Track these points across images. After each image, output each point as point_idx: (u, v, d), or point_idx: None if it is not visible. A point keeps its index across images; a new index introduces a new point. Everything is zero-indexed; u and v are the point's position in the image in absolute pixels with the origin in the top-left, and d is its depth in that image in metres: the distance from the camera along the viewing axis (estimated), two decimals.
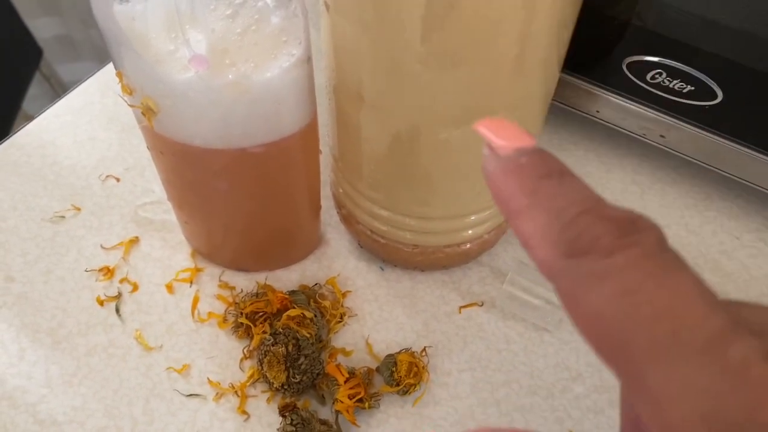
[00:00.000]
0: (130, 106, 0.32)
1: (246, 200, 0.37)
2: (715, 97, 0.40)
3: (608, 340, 0.13)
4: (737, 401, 0.11)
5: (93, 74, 0.54)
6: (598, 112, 0.45)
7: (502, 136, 0.16)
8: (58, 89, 1.23)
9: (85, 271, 0.42)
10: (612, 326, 0.13)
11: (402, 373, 0.36)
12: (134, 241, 0.43)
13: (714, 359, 0.12)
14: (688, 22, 0.39)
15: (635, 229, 0.13)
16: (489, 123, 0.16)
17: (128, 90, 0.32)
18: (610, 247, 0.13)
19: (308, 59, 0.32)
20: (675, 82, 0.41)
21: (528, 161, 0.15)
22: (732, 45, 0.38)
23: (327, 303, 0.40)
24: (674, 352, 0.12)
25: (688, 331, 0.12)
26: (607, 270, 0.13)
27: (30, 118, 0.51)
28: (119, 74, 0.31)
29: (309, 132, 0.35)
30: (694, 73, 0.40)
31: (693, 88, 0.40)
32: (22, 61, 1.12)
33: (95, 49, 1.41)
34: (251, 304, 0.39)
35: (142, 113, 0.32)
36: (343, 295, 0.41)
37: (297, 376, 0.35)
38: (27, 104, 1.09)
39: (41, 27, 1.35)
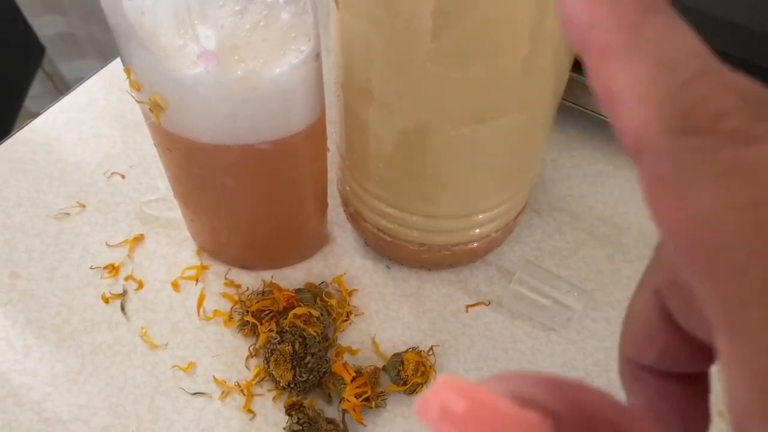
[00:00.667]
0: (138, 102, 0.32)
1: (252, 197, 0.37)
2: None
3: (712, 255, 0.10)
4: None
5: (97, 71, 0.53)
6: None
7: None
8: (61, 87, 1.23)
9: (90, 268, 0.42)
10: (727, 241, 0.09)
11: (409, 372, 0.36)
12: (139, 238, 0.43)
13: None
14: (698, 21, 0.39)
15: None
16: None
17: (136, 86, 0.31)
18: (743, 133, 0.09)
19: (317, 56, 0.32)
20: None
21: None
22: (740, 42, 0.38)
23: (333, 301, 0.40)
24: None
25: None
26: (738, 164, 0.09)
27: (32, 116, 0.51)
28: (127, 70, 0.31)
29: (317, 129, 0.35)
30: None
31: None
32: (25, 58, 1.12)
33: (98, 47, 1.41)
34: (257, 302, 0.39)
35: (150, 109, 0.32)
36: (350, 293, 0.41)
37: (303, 375, 0.35)
38: (29, 102, 1.09)
39: (44, 24, 1.35)
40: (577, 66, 0.42)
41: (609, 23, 0.11)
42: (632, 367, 0.15)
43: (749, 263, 0.09)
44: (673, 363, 0.15)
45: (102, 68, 0.54)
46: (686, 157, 0.10)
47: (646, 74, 0.10)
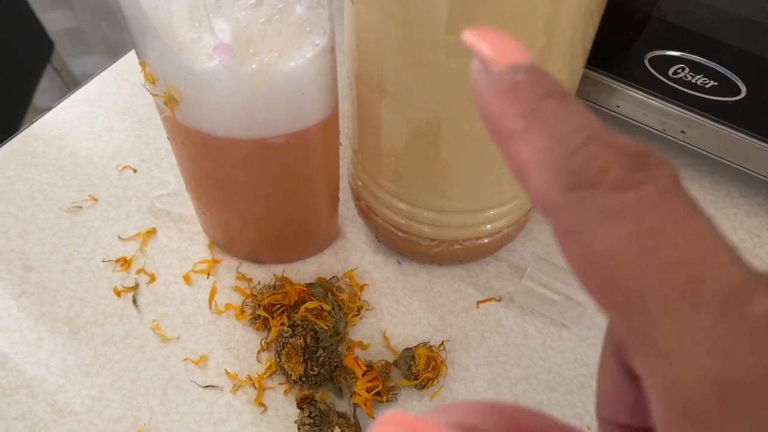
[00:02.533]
0: (153, 95, 0.32)
1: (265, 191, 0.37)
2: (739, 92, 0.40)
3: (614, 286, 0.11)
4: (758, 362, 0.10)
5: (109, 65, 0.54)
6: (618, 107, 0.45)
7: (495, 48, 0.14)
8: (69, 82, 1.23)
9: (102, 261, 0.42)
10: (622, 271, 0.11)
11: (420, 367, 0.36)
12: (151, 232, 0.43)
13: (734, 314, 0.10)
14: (712, 16, 0.39)
15: (649, 164, 0.12)
16: (480, 32, 0.14)
17: (151, 79, 0.31)
18: (623, 181, 0.11)
19: (332, 49, 0.32)
20: (698, 77, 0.40)
21: (526, 78, 0.13)
22: (757, 39, 0.38)
23: (344, 296, 0.40)
24: (690, 303, 0.11)
25: (708, 281, 0.11)
26: (621, 207, 0.11)
27: (40, 112, 0.51)
28: (143, 63, 0.31)
29: (330, 123, 0.35)
30: (717, 68, 0.39)
31: (716, 83, 0.40)
32: (34, 54, 1.12)
33: (106, 43, 1.41)
34: (269, 296, 0.39)
35: (165, 102, 0.32)
36: (361, 288, 0.41)
37: (315, 369, 0.35)
38: (38, 97, 1.10)
39: (52, 20, 1.35)
40: (590, 62, 0.42)
41: (513, 112, 0.13)
42: (611, 428, 0.15)
43: (646, 288, 0.11)
44: (646, 417, 0.14)
45: (111, 63, 0.54)
46: (580, 207, 0.11)
47: (542, 148, 0.12)
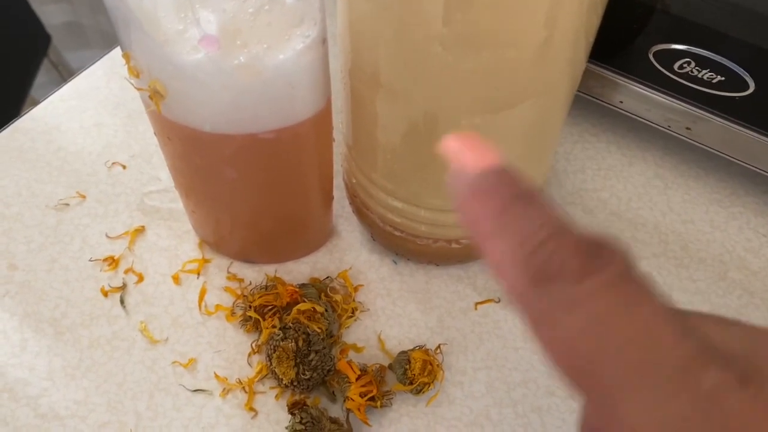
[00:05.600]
0: (137, 89, 0.31)
1: (256, 189, 0.36)
2: (747, 87, 0.38)
3: (580, 368, 0.13)
4: (709, 429, 0.11)
5: (99, 59, 0.52)
6: (621, 102, 0.44)
7: (470, 154, 0.16)
8: (67, 76, 1.22)
9: (90, 260, 0.41)
10: (583, 355, 0.12)
11: (416, 372, 0.35)
12: (140, 230, 0.42)
13: (686, 387, 0.11)
14: (718, 8, 0.37)
15: (602, 254, 0.13)
16: (455, 140, 0.16)
17: (135, 72, 0.30)
18: (578, 273, 0.13)
19: (323, 41, 0.30)
20: (704, 71, 0.39)
21: (494, 182, 0.15)
22: (766, 33, 0.37)
23: (338, 297, 0.38)
24: (645, 381, 0.12)
25: (658, 359, 0.12)
26: (577, 298, 0.13)
27: (37, 105, 0.49)
28: (126, 56, 0.30)
29: (322, 118, 0.34)
30: (724, 63, 0.38)
31: (723, 78, 0.39)
32: (31, 47, 1.11)
33: (104, 36, 1.40)
34: (260, 297, 0.38)
35: (150, 97, 0.30)
36: (355, 289, 0.40)
37: (307, 373, 0.34)
38: (35, 91, 1.08)
39: (50, 14, 1.34)
40: (593, 56, 0.41)
41: (485, 214, 0.15)
42: None
43: (604, 369, 0.12)
44: None
45: (101, 57, 0.52)
46: (544, 299, 0.13)
47: (510, 247, 0.14)
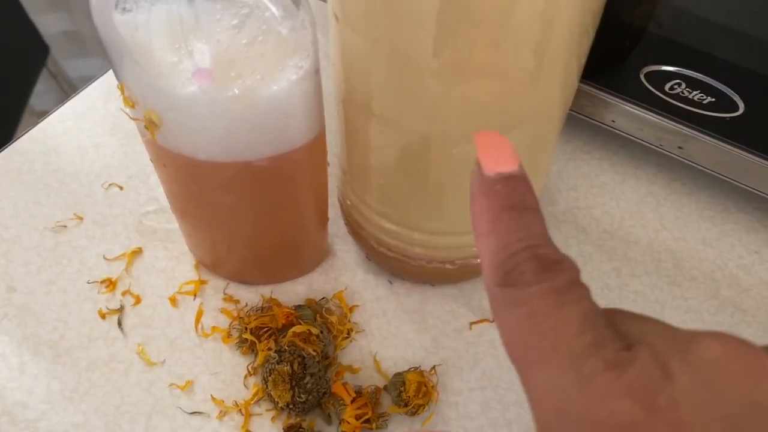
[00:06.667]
0: (133, 119, 0.31)
1: (251, 213, 0.36)
2: (737, 108, 0.39)
3: (515, 350, 0.16)
4: (580, 400, 0.15)
5: (97, 78, 0.53)
6: (613, 121, 0.44)
7: (492, 154, 0.18)
8: (65, 86, 1.22)
9: (87, 282, 0.41)
10: (519, 340, 0.16)
11: (410, 394, 0.35)
12: (137, 252, 0.42)
13: (574, 367, 0.15)
14: (709, 31, 0.38)
15: (555, 269, 0.16)
16: (486, 138, 0.19)
17: (130, 103, 0.31)
18: (531, 281, 0.16)
19: (316, 71, 0.31)
20: (695, 93, 0.39)
21: (501, 189, 0.18)
22: (755, 55, 0.37)
23: (334, 318, 0.39)
24: (551, 360, 0.15)
25: (564, 345, 0.15)
26: (522, 298, 0.16)
27: (37, 114, 0.50)
28: (121, 87, 0.30)
29: (316, 144, 0.34)
30: (714, 84, 0.38)
31: (713, 99, 0.39)
32: (29, 57, 1.11)
33: (102, 46, 1.40)
34: (256, 319, 0.38)
35: (145, 127, 0.31)
36: (351, 309, 0.40)
37: (302, 396, 0.35)
38: (34, 100, 1.09)
39: (48, 23, 1.34)
40: (585, 76, 0.42)
41: (484, 215, 0.18)
42: None
43: (528, 349, 0.16)
44: None
45: (106, 71, 0.53)
46: (502, 299, 0.17)
47: (492, 250, 0.17)
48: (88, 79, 0.53)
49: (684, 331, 0.16)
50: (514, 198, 0.18)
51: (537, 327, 0.16)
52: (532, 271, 0.16)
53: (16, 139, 0.49)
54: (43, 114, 0.50)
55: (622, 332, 0.16)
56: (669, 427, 0.14)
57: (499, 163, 0.18)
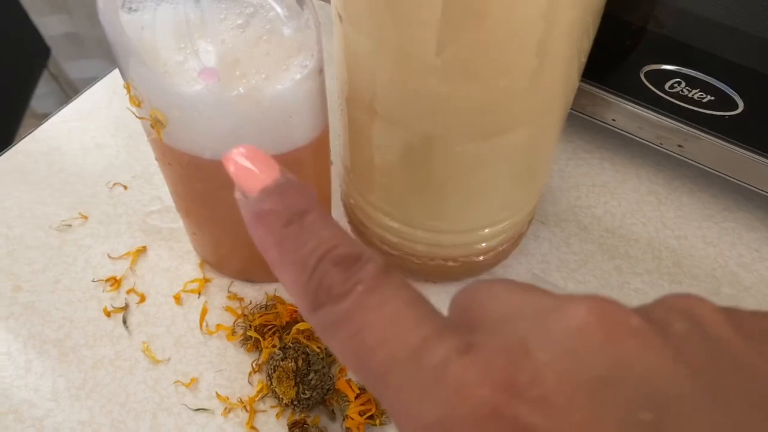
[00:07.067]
0: (139, 118, 0.32)
1: None
2: (736, 107, 0.39)
3: (361, 376, 0.14)
4: (439, 403, 0.13)
5: (100, 79, 0.53)
6: (614, 120, 0.44)
7: (245, 173, 0.17)
8: (66, 87, 1.22)
9: (92, 281, 0.42)
10: (357, 364, 0.14)
11: None
12: (142, 250, 0.43)
13: (420, 368, 0.13)
14: (708, 30, 0.38)
15: (358, 266, 0.15)
16: (230, 160, 0.17)
17: (136, 102, 0.31)
18: (340, 292, 0.15)
19: (320, 71, 0.31)
20: (695, 91, 0.40)
21: (271, 207, 0.16)
22: (754, 54, 0.37)
23: None
24: (394, 371, 0.13)
25: (401, 349, 0.13)
26: (339, 318, 0.14)
27: (38, 116, 0.50)
28: (127, 86, 0.31)
29: (320, 143, 0.34)
30: (714, 83, 0.39)
31: (713, 97, 0.39)
32: (30, 59, 1.11)
33: (103, 47, 1.40)
34: (260, 316, 0.38)
35: (151, 125, 0.31)
36: None
37: (307, 392, 0.35)
38: (35, 102, 1.09)
39: (49, 25, 1.35)
40: (585, 75, 0.42)
41: (268, 243, 0.16)
42: None
43: (367, 368, 0.14)
44: None
45: (107, 72, 0.53)
46: (321, 324, 0.15)
47: (291, 278, 0.15)
48: (90, 81, 0.53)
49: (554, 299, 0.14)
50: (289, 209, 0.16)
51: (366, 342, 0.14)
52: (337, 281, 0.15)
53: (20, 140, 0.49)
54: (44, 116, 0.50)
55: (468, 317, 0.15)
56: (533, 405, 0.12)
57: (256, 178, 0.16)
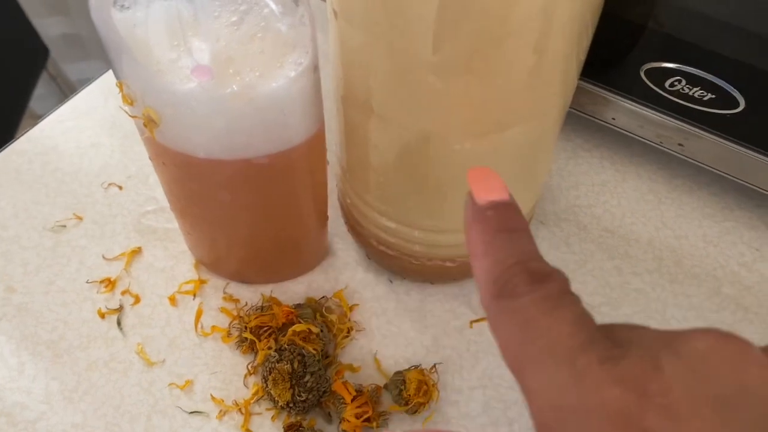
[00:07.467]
0: (131, 116, 0.31)
1: (250, 211, 0.36)
2: (737, 105, 0.38)
3: (512, 354, 0.17)
4: (574, 392, 0.15)
5: (96, 78, 0.53)
6: (613, 119, 0.44)
7: (483, 185, 0.20)
8: (65, 88, 1.22)
9: (87, 282, 0.41)
10: (515, 344, 0.17)
11: (411, 392, 0.35)
12: (136, 251, 0.42)
13: (568, 364, 0.16)
14: (709, 28, 0.38)
15: (546, 280, 0.17)
16: (476, 172, 0.20)
17: (129, 100, 0.30)
18: (523, 292, 0.17)
19: (315, 68, 0.31)
20: (695, 89, 0.39)
21: (492, 215, 0.19)
22: (755, 52, 0.37)
23: (334, 317, 0.39)
24: (546, 359, 0.16)
25: (557, 345, 0.16)
26: (516, 307, 0.17)
27: (36, 118, 0.50)
28: (120, 84, 0.30)
29: (315, 142, 0.34)
30: (715, 81, 0.38)
31: (714, 96, 0.39)
32: (29, 60, 1.11)
33: (102, 48, 1.40)
34: (256, 318, 0.38)
35: (144, 124, 0.31)
36: (351, 308, 0.40)
37: (303, 395, 0.34)
38: (34, 103, 1.09)
39: (48, 26, 1.35)
40: (585, 73, 0.42)
41: (479, 239, 0.19)
42: None
43: (524, 351, 0.17)
44: None
45: (102, 74, 0.53)
46: (497, 310, 0.18)
47: (487, 268, 0.18)
48: (88, 82, 0.53)
49: (677, 331, 0.17)
50: (505, 222, 0.19)
51: (531, 331, 0.16)
52: (525, 283, 0.17)
53: (15, 140, 0.48)
54: (40, 119, 0.50)
55: (614, 337, 0.17)
56: (660, 410, 0.14)
57: (489, 192, 0.20)
